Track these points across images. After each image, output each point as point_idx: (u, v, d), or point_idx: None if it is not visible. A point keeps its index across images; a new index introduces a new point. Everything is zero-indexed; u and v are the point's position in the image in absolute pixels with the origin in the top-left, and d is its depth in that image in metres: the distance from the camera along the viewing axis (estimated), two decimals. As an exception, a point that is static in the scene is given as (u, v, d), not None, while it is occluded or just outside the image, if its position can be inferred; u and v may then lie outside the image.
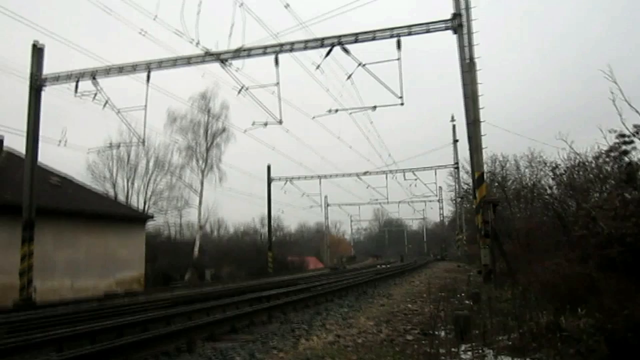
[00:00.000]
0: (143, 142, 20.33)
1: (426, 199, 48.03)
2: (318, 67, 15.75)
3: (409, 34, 15.10)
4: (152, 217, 31.56)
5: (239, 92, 16.62)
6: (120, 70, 17.34)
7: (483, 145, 14.44)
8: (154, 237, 34.31)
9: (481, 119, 14.39)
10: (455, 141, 42.91)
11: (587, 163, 13.55)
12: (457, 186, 43.43)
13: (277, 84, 16.17)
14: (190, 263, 33.57)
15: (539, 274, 9.15)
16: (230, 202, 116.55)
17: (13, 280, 17.05)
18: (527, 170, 26.08)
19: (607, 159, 10.63)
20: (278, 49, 16.08)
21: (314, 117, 18.45)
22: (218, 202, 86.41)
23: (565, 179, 14.46)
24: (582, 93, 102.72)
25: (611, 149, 9.57)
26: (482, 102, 14.41)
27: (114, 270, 22.90)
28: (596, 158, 12.32)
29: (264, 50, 16.17)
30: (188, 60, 16.91)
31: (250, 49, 16.21)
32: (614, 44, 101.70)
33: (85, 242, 21.64)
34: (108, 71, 17.49)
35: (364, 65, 15.33)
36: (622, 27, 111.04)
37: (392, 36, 15.14)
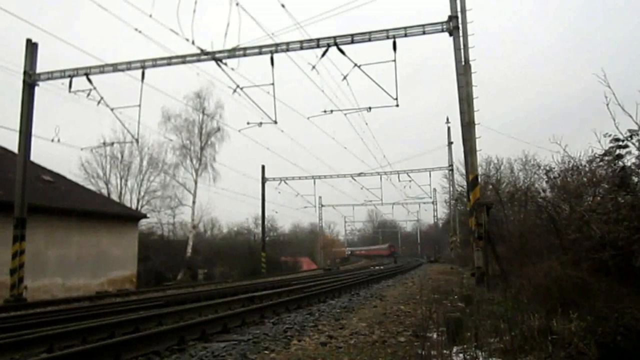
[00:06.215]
0: (137, 141, 20.28)
1: (420, 200, 48.28)
2: (314, 67, 15.74)
3: (405, 35, 15.15)
4: (145, 216, 31.41)
5: (234, 91, 16.59)
6: (115, 68, 17.26)
7: (477, 148, 14.50)
8: (147, 236, 34.16)
9: (476, 122, 14.45)
10: (450, 143, 43.07)
11: (580, 167, 13.61)
12: (451, 188, 43.57)
13: (272, 83, 16.18)
14: (183, 262, 33.44)
15: (532, 276, 9.17)
16: (224, 201, 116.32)
17: (4, 278, 16.93)
18: (521, 173, 26.24)
19: (601, 163, 10.68)
20: (274, 49, 16.06)
21: (309, 118, 18.49)
22: (212, 201, 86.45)
23: (558, 183, 14.52)
24: (577, 97, 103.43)
25: (605, 153, 9.61)
26: (477, 104, 14.48)
27: (106, 269, 22.78)
28: (590, 162, 12.38)
29: (260, 50, 16.15)
30: (183, 59, 16.86)
31: (245, 49, 16.17)
32: (609, 46, 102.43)
33: (78, 240, 21.51)
34: (102, 69, 17.40)
35: (359, 66, 15.35)
36: (618, 27, 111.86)
37: (387, 37, 15.18)
